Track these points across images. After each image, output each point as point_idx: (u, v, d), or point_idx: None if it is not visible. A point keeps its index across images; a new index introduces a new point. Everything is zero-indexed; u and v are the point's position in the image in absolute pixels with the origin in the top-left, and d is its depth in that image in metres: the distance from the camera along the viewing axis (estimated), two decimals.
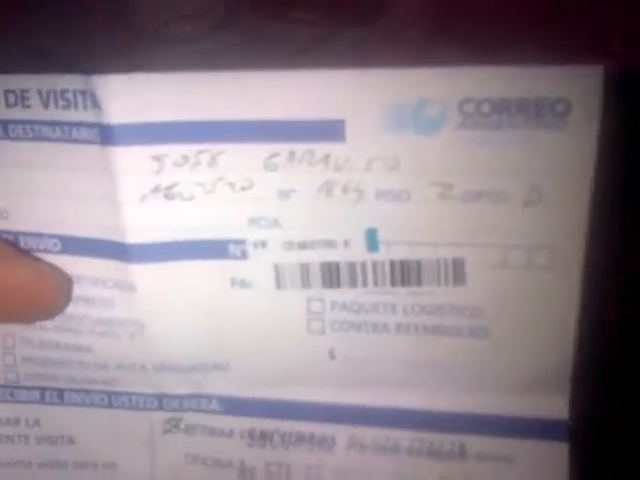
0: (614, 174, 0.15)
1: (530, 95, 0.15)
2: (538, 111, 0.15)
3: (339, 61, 0.15)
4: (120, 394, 0.18)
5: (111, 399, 0.19)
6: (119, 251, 0.17)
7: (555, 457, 0.17)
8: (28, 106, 0.16)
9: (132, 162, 0.16)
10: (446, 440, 0.18)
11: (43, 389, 0.19)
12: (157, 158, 0.16)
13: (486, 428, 0.18)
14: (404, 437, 0.18)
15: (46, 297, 0.16)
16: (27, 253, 0.17)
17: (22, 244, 0.17)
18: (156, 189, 0.16)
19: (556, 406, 0.17)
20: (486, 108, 0.15)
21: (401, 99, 0.15)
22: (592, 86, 0.14)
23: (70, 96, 0.16)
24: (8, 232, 0.17)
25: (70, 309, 0.18)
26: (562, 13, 0.14)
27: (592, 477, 0.17)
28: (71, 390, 0.19)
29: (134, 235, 0.17)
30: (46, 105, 0.16)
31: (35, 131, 0.17)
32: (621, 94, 0.14)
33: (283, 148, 0.16)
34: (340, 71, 0.15)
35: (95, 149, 0.16)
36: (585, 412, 0.17)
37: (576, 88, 0.15)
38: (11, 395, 0.19)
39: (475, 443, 0.18)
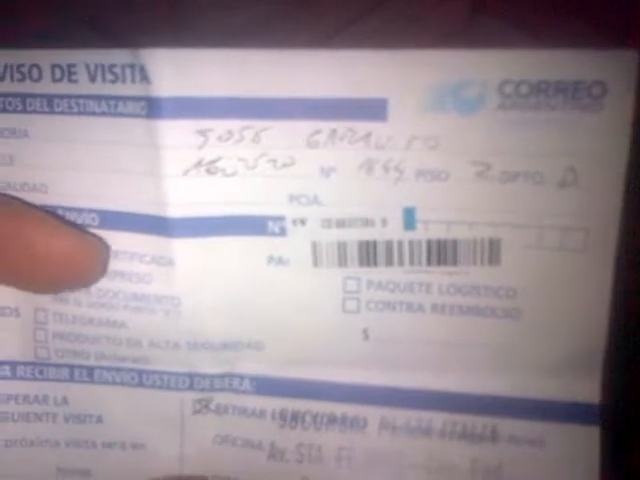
0: None
1: (567, 78, 0.15)
2: (575, 93, 0.16)
3: (380, 41, 0.16)
4: (151, 373, 0.18)
5: (142, 378, 0.18)
6: (159, 225, 0.17)
7: (586, 441, 0.17)
8: (75, 81, 0.17)
9: (177, 136, 0.16)
10: (478, 423, 0.18)
11: (72, 367, 0.19)
12: (202, 132, 0.16)
13: (518, 411, 0.18)
14: (436, 419, 0.18)
15: (87, 266, 0.17)
16: (69, 222, 0.17)
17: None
18: (199, 163, 0.17)
19: (588, 389, 0.17)
20: (524, 90, 0.16)
21: (442, 80, 0.16)
22: (628, 69, 0.15)
23: (118, 70, 0.16)
24: (47, 206, 0.18)
25: (106, 284, 0.18)
26: None
27: (624, 462, 0.17)
28: (101, 368, 0.19)
29: (175, 209, 0.17)
30: (93, 79, 0.17)
31: (80, 105, 0.17)
32: None
33: (325, 126, 0.16)
34: (384, 51, 0.16)
35: (140, 123, 0.17)
36: (617, 396, 0.17)
37: (612, 71, 0.15)
38: (40, 373, 0.19)
39: (507, 426, 0.18)
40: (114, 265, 0.18)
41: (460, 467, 0.18)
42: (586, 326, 0.17)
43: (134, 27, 0.16)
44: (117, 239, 0.18)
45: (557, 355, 0.17)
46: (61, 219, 0.17)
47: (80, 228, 0.17)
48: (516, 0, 0.15)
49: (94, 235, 0.17)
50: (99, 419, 0.19)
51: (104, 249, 0.17)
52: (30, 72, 0.17)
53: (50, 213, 0.17)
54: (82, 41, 0.16)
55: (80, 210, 0.18)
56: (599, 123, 0.16)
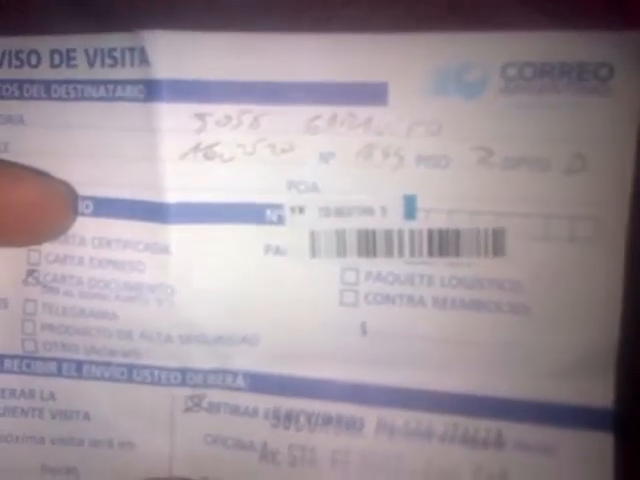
0: None
1: (573, 60, 0.15)
2: (581, 76, 0.15)
3: (379, 24, 0.16)
4: (141, 368, 0.18)
5: (132, 373, 0.18)
6: (155, 211, 0.17)
7: (599, 448, 0.16)
8: (74, 66, 0.17)
9: (175, 119, 0.16)
10: (482, 427, 0.17)
11: (61, 361, 0.18)
12: (200, 116, 0.16)
13: (525, 415, 0.17)
14: (437, 422, 0.17)
15: (53, 211, 0.16)
16: (36, 170, 0.17)
17: None
18: (196, 148, 0.16)
19: (600, 392, 0.16)
20: (528, 72, 0.15)
21: (444, 63, 0.16)
22: (635, 51, 0.15)
23: (117, 54, 0.16)
24: None
25: (98, 273, 0.17)
26: None
27: (639, 470, 0.16)
28: (90, 362, 0.18)
29: (171, 194, 0.17)
30: (92, 64, 0.17)
31: (78, 91, 0.17)
32: None
33: (325, 111, 0.16)
34: (384, 35, 0.16)
35: (139, 106, 0.16)
36: (632, 400, 0.16)
37: (619, 53, 0.15)
38: (27, 367, 0.18)
39: (513, 431, 0.17)
40: (107, 254, 0.17)
41: (461, 474, 0.17)
42: (597, 322, 0.16)
43: (134, 10, 0.16)
44: (111, 227, 0.17)
45: (567, 354, 0.16)
46: (28, 168, 0.17)
47: (45, 174, 0.17)
48: None
49: (60, 180, 0.17)
50: (86, 416, 0.18)
51: (70, 193, 0.17)
52: (29, 58, 0.17)
53: (13, 163, 0.17)
54: (81, 25, 0.17)
55: None
56: (607, 106, 0.15)
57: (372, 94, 0.16)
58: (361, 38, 0.16)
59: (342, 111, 0.16)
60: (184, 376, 0.18)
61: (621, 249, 0.16)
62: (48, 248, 0.17)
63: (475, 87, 0.16)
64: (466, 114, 0.16)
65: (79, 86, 0.17)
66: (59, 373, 0.18)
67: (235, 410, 0.18)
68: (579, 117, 0.15)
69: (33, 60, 0.17)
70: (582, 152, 0.15)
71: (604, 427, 0.16)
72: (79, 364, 0.18)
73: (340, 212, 0.17)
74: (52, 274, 0.18)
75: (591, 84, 0.15)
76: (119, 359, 0.18)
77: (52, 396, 0.18)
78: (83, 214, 0.17)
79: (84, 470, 0.18)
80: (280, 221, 0.17)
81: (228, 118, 0.16)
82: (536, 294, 0.16)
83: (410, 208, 0.16)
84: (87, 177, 0.17)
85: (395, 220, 0.16)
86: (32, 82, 0.17)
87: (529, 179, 0.16)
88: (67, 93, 0.17)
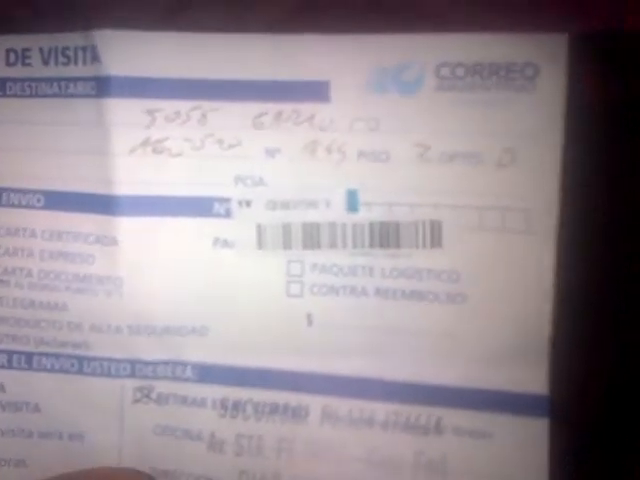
0: (584, 137, 0.16)
1: (501, 60, 0.16)
2: (509, 74, 0.16)
3: (325, 25, 0.16)
4: (91, 359, 0.18)
5: (82, 365, 0.18)
6: (104, 204, 0.17)
7: (535, 433, 0.17)
8: (28, 64, 0.17)
9: (125, 114, 0.17)
10: (422, 413, 0.17)
11: (11, 352, 0.18)
12: (149, 112, 0.17)
13: (464, 401, 0.17)
14: (379, 409, 0.17)
15: None
16: None
17: (4, 200, 0.18)
18: (145, 142, 0.17)
19: (536, 379, 0.17)
20: (460, 72, 0.16)
21: (382, 63, 0.16)
22: (558, 51, 0.16)
23: (71, 53, 0.17)
24: None
25: (48, 265, 0.18)
26: None
27: (574, 454, 0.17)
28: (40, 354, 0.18)
29: (121, 187, 0.17)
30: (46, 62, 0.17)
31: (32, 88, 0.17)
32: (587, 58, 0.16)
33: (271, 107, 0.17)
34: (326, 36, 0.16)
35: (90, 102, 0.17)
36: (566, 385, 0.17)
37: (543, 53, 0.16)
38: None
39: (452, 417, 0.17)
40: (58, 246, 0.18)
41: (403, 460, 0.17)
42: (530, 311, 0.17)
43: (87, 10, 0.17)
44: (62, 220, 0.18)
45: (503, 342, 0.17)
46: None
47: None
48: None
49: None
50: (36, 408, 0.18)
51: None
52: None
53: None
54: (36, 25, 0.17)
55: (24, 191, 0.18)
56: (533, 103, 0.16)
57: (315, 92, 0.17)
58: (305, 39, 0.17)
59: (287, 108, 0.17)
60: (133, 367, 0.18)
61: (551, 239, 0.16)
62: None
63: (411, 85, 0.16)
64: (403, 110, 0.16)
65: (33, 83, 0.17)
66: (9, 365, 0.18)
67: (184, 401, 0.18)
68: (508, 114, 0.16)
69: None
70: (512, 147, 0.16)
71: (540, 413, 0.17)
72: (29, 356, 0.18)
73: (286, 205, 0.17)
74: (2, 267, 0.18)
75: (518, 82, 0.16)
76: (69, 351, 0.18)
77: (2, 388, 0.18)
78: (34, 207, 0.18)
79: (33, 462, 0.18)
80: (228, 214, 0.17)
81: (177, 114, 0.17)
82: (472, 284, 0.17)
83: (352, 201, 0.17)
84: (38, 171, 0.18)
85: (338, 213, 0.17)
86: None
87: (463, 173, 0.16)
88: (22, 90, 0.17)
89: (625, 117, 0.16)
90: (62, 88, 0.17)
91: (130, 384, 0.18)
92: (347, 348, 0.17)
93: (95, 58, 0.17)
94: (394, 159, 0.17)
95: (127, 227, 0.17)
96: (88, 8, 0.17)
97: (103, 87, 0.17)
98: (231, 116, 0.17)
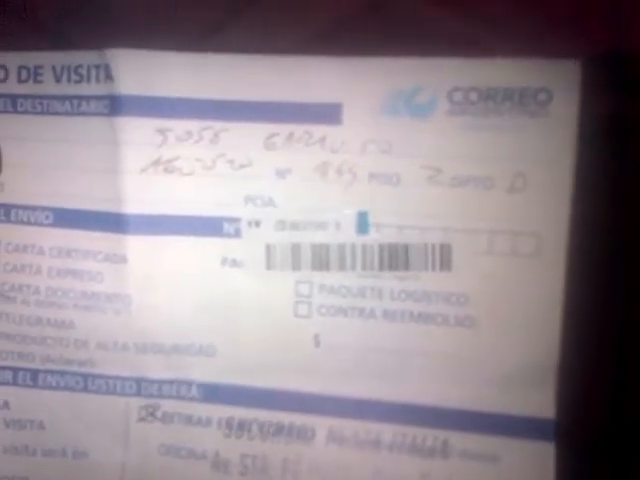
0: (597, 162, 0.16)
1: (515, 85, 0.16)
2: (522, 100, 0.16)
3: (340, 48, 0.16)
4: (97, 377, 0.18)
5: (87, 382, 0.18)
6: (114, 222, 0.17)
7: (541, 457, 0.17)
8: (40, 81, 0.17)
9: (136, 133, 0.17)
10: (429, 436, 0.17)
11: (16, 370, 0.18)
12: (161, 131, 0.17)
13: (470, 425, 0.17)
14: (386, 431, 0.17)
15: None
16: None
17: (13, 216, 0.18)
18: (157, 162, 0.17)
19: (543, 403, 0.17)
20: (474, 96, 0.16)
21: (395, 86, 0.16)
22: (571, 77, 0.16)
23: (84, 71, 0.17)
24: (1, 205, 0.18)
25: (56, 282, 0.18)
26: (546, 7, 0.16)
27: (579, 478, 0.17)
28: (46, 372, 0.18)
29: (131, 206, 0.17)
30: (58, 80, 0.17)
31: (44, 105, 0.17)
32: (601, 83, 0.16)
33: (282, 128, 0.17)
34: (339, 58, 0.16)
35: (102, 120, 0.17)
36: (573, 410, 0.17)
37: (557, 79, 0.16)
38: None
39: (459, 440, 0.17)
40: (66, 263, 0.18)
41: None
42: (538, 336, 0.17)
43: (100, 29, 0.17)
44: (71, 237, 0.18)
45: (510, 366, 0.17)
46: None
47: None
48: (468, 11, 0.16)
49: None
50: (41, 425, 0.18)
51: None
52: None
53: None
54: (49, 43, 0.17)
55: (34, 208, 0.18)
56: (546, 128, 0.16)
57: (328, 114, 0.17)
58: (318, 61, 0.17)
59: (299, 129, 0.17)
60: (139, 386, 0.18)
61: (561, 264, 0.16)
62: (5, 258, 0.18)
63: (424, 109, 0.16)
64: (416, 134, 0.16)
65: (45, 101, 0.17)
66: (14, 382, 0.18)
67: (189, 420, 0.18)
68: (521, 138, 0.16)
69: (1, 75, 0.17)
70: (524, 171, 0.16)
71: (546, 436, 0.17)
72: (35, 373, 0.18)
73: (295, 226, 0.17)
74: (9, 283, 0.18)
75: (531, 108, 0.16)
76: (75, 368, 0.18)
77: (6, 405, 0.18)
78: (42, 224, 0.18)
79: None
80: (237, 234, 0.17)
81: (189, 134, 0.17)
82: (481, 307, 0.17)
83: (363, 223, 0.17)
84: (49, 188, 0.18)
85: (348, 235, 0.17)
86: None
87: (475, 197, 0.17)
88: (33, 107, 0.17)
89: (638, 142, 0.16)
90: (74, 106, 0.17)
91: (135, 402, 0.18)
92: (354, 370, 0.17)
93: (108, 76, 0.17)
94: (405, 182, 0.17)
95: (136, 245, 0.17)
96: (102, 27, 0.17)
97: (115, 106, 0.17)
98: (243, 136, 0.17)
